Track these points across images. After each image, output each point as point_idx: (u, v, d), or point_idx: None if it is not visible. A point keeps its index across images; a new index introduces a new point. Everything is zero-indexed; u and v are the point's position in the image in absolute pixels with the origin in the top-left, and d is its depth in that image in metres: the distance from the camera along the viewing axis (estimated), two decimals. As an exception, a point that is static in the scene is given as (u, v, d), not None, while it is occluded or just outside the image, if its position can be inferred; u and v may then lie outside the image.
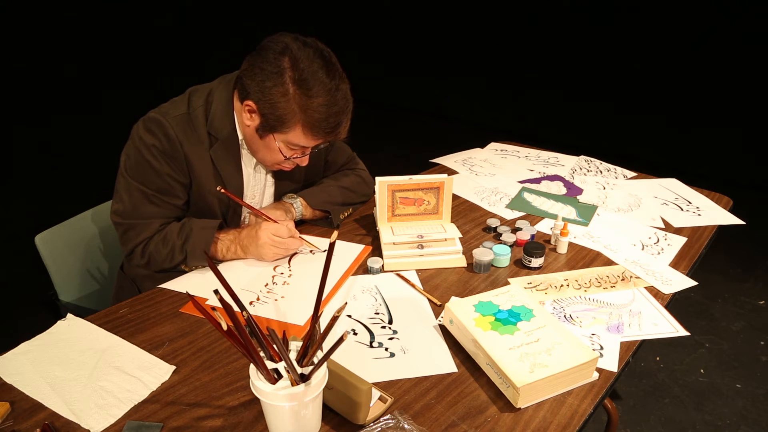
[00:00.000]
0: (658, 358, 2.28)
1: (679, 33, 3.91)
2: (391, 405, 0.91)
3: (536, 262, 1.30)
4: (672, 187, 1.78)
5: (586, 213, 1.59)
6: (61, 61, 6.00)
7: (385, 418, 0.88)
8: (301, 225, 1.49)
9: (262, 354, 0.80)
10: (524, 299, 1.10)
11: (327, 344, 0.79)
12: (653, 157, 4.02)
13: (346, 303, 1.16)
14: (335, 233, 0.89)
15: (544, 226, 1.50)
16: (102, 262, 1.54)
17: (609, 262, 1.34)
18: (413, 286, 1.24)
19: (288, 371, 0.78)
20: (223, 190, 1.27)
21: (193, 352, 1.03)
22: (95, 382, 0.95)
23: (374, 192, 1.45)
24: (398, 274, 1.28)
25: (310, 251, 1.37)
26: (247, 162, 1.36)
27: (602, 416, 1.81)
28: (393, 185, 1.34)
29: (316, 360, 0.80)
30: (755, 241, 3.12)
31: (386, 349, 1.04)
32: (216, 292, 0.76)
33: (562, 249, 1.38)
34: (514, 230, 1.46)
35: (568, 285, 1.25)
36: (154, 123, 1.23)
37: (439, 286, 1.24)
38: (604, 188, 1.76)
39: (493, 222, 1.48)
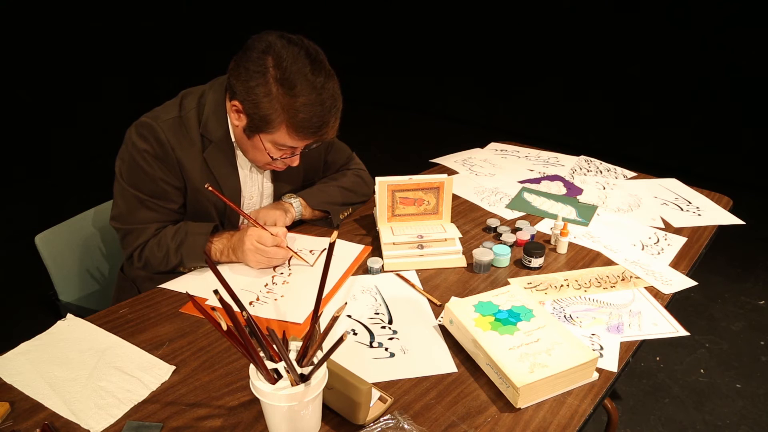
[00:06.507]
0: (658, 358, 2.28)
1: (679, 33, 3.91)
2: (391, 405, 0.90)
3: (536, 262, 1.30)
4: (672, 187, 1.78)
5: (586, 213, 1.59)
6: (60, 61, 5.99)
7: (385, 418, 0.88)
8: (301, 225, 1.49)
9: (261, 354, 0.80)
10: (524, 299, 1.10)
11: (327, 344, 0.79)
12: (653, 157, 4.02)
13: (346, 303, 1.17)
14: (335, 233, 0.90)
15: (544, 226, 1.50)
16: (102, 262, 1.54)
17: (609, 262, 1.34)
18: (413, 286, 1.24)
19: (288, 371, 0.78)
20: (210, 188, 1.22)
21: (193, 352, 1.03)
22: (95, 382, 0.95)
23: (374, 192, 1.44)
24: (398, 274, 1.28)
25: (310, 251, 1.37)
26: (243, 163, 1.35)
27: (602, 416, 1.81)
28: (393, 185, 1.34)
29: (316, 360, 0.80)
30: (755, 241, 3.12)
31: (386, 349, 1.04)
32: (216, 292, 0.77)
33: (562, 249, 1.37)
34: (514, 230, 1.46)
35: (568, 285, 1.24)
36: (145, 128, 1.22)
37: (439, 286, 1.24)
38: (604, 188, 1.76)
39: (493, 222, 1.48)
